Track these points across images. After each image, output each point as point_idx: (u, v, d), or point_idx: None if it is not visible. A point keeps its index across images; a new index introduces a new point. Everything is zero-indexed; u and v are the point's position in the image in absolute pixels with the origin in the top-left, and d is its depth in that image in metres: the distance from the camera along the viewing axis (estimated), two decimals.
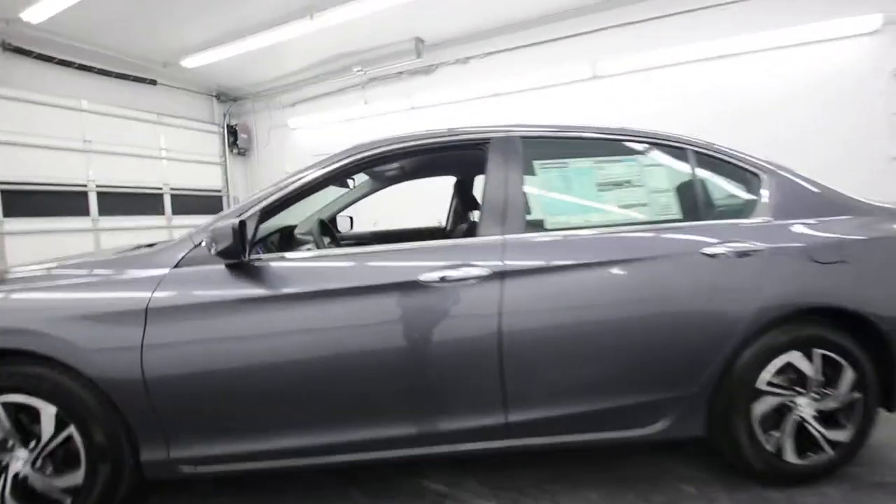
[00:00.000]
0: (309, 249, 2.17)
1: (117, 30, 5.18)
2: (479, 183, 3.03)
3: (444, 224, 3.20)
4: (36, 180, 5.18)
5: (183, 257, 1.51)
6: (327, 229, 2.41)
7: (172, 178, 6.61)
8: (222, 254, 1.40)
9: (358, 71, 6.17)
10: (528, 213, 1.60)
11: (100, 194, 5.76)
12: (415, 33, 5.57)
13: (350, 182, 2.83)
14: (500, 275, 1.48)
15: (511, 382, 1.49)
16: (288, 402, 1.48)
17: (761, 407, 1.57)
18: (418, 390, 1.52)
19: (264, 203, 1.57)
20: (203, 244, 1.49)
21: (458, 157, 2.47)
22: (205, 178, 7.13)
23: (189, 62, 5.94)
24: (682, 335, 1.53)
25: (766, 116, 4.37)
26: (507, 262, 1.49)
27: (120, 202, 5.97)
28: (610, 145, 1.76)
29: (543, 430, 1.54)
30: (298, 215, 2.94)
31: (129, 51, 5.76)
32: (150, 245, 1.74)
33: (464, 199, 2.77)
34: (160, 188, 6.48)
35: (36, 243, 5.11)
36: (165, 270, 1.49)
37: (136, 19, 4.95)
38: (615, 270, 1.53)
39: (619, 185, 1.66)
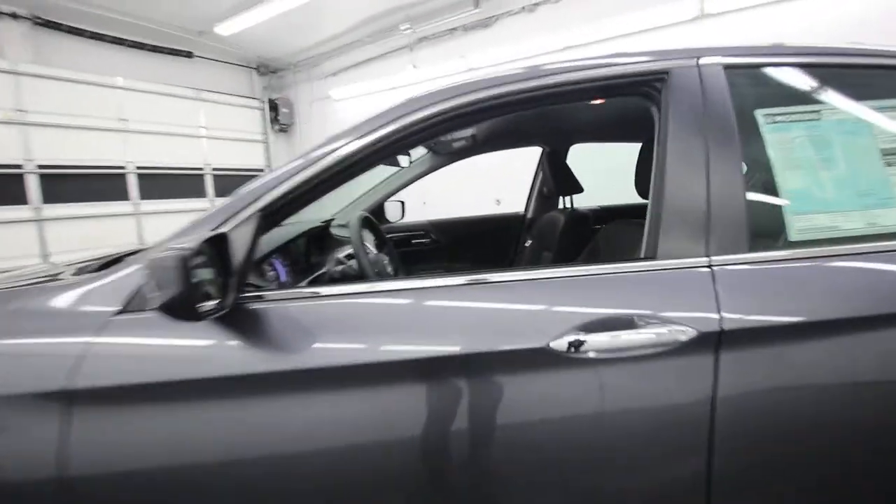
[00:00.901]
0: (349, 257, 1.50)
1: None
2: (576, 153, 2.25)
3: (523, 211, 2.47)
4: (74, 163, 4.89)
5: (134, 294, 0.88)
6: (372, 225, 1.74)
7: (214, 158, 6.22)
8: (166, 308, 0.72)
9: (405, 29, 5.41)
10: (755, 213, 0.82)
11: (140, 176, 5.44)
12: None
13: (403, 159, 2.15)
14: (713, 340, 0.74)
15: None
16: None
17: None
18: None
19: (270, 197, 0.89)
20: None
21: (560, 115, 1.70)
22: (247, 157, 6.71)
23: (223, 28, 5.41)
24: None
25: None
26: (728, 315, 0.75)
27: (161, 184, 5.64)
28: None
29: None
30: (335, 200, 2.30)
31: (161, 19, 5.30)
32: (101, 264, 1.12)
33: (557, 177, 2.00)
34: (201, 168, 6.13)
35: (79, 229, 4.88)
36: (103, 319, 0.87)
37: None
38: None
39: None
